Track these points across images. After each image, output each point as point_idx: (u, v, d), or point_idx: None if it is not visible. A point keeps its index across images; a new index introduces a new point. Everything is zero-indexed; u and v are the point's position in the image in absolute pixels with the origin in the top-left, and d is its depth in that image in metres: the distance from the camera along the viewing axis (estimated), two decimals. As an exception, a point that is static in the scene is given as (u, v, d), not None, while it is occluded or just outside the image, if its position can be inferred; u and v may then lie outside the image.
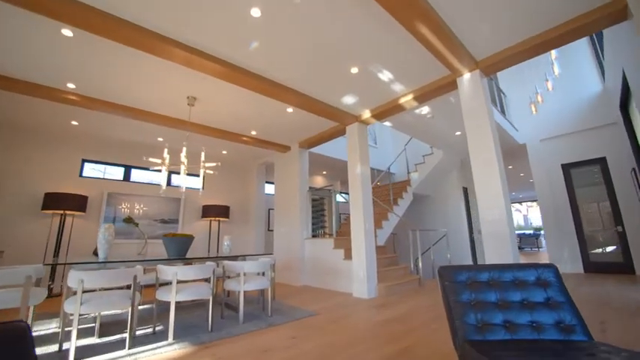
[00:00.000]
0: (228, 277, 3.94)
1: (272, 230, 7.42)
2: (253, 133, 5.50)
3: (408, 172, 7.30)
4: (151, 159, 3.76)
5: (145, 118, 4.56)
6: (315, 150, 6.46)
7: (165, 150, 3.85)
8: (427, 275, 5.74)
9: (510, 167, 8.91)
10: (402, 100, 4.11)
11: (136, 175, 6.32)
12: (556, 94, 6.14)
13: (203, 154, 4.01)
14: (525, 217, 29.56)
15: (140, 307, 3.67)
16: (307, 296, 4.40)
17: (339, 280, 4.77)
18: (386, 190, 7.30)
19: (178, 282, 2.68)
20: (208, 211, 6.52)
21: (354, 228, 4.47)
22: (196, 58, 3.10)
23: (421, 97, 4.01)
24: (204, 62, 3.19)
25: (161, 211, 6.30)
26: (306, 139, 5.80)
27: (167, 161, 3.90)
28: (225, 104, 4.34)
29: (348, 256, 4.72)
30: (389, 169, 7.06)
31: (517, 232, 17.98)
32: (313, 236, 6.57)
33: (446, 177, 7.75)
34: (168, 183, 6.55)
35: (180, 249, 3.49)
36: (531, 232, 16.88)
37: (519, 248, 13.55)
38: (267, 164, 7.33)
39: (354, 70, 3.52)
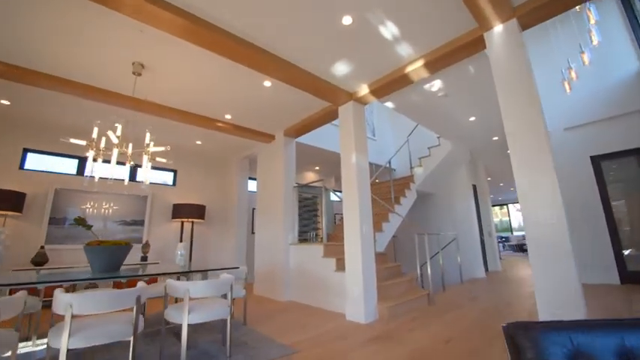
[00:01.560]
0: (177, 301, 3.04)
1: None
2: (227, 117, 4.57)
3: (411, 167, 6.40)
4: (72, 140, 2.82)
5: (86, 94, 3.63)
6: (304, 140, 5.54)
7: (95, 129, 2.90)
8: (436, 286, 4.83)
9: (523, 162, 8.03)
10: (410, 69, 3.20)
11: (94, 168, 5.37)
12: (584, 74, 5.27)
13: (149, 135, 3.06)
14: (527, 218, 28.85)
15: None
16: (289, 319, 3.48)
17: (330, 297, 3.86)
18: (386, 187, 6.39)
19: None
20: (180, 211, 5.58)
21: (347, 232, 3.56)
22: (148, 5, 2.22)
23: (434, 64, 3.11)
24: (157, 11, 2.30)
25: (123, 211, 5.35)
26: (292, 126, 4.88)
27: (103, 145, 2.96)
28: (184, 74, 3.41)
29: (340, 266, 3.81)
30: (389, 163, 6.16)
31: (518, 233, 17.20)
32: (301, 241, 5.67)
33: (454, 173, 6.86)
34: (132, 178, 5.60)
35: (110, 262, 2.56)
36: (537, 233, 16.06)
37: (525, 251, 12.68)
38: (251, 158, 6.40)
39: (347, 19, 2.60)
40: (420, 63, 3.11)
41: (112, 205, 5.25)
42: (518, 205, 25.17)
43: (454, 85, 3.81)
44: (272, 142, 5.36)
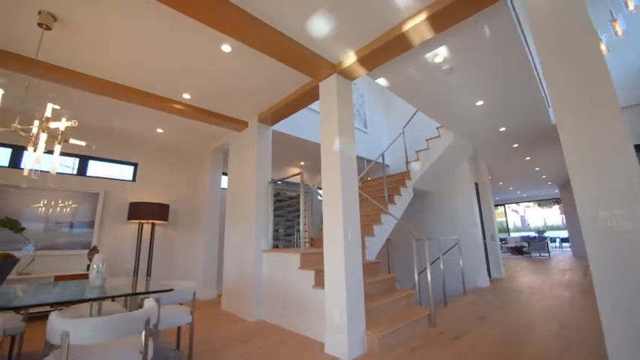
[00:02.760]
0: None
1: (231, 236, 5.68)
2: (186, 96, 3.75)
3: (407, 162, 5.66)
4: None
5: (-12, 58, 2.78)
6: (285, 130, 4.76)
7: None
8: (437, 299, 4.07)
9: (528, 159, 7.38)
10: (409, 26, 2.44)
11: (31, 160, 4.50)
12: (612, 50, 4.60)
13: (50, 107, 2.22)
14: (522, 219, 28.56)
15: None
16: (250, 350, 2.68)
17: (307, 319, 3.07)
18: (379, 184, 5.64)
19: None
20: (138, 211, 4.73)
21: (328, 239, 2.78)
22: None
23: (441, 18, 2.35)
24: None
25: (69, 211, 4.49)
26: (267, 111, 4.09)
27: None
28: (114, 32, 2.59)
29: (320, 281, 3.03)
30: (382, 157, 5.40)
31: (520, 234, 16.65)
32: (280, 247, 4.88)
33: (455, 169, 6.14)
34: (83, 172, 4.75)
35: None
36: (534, 234, 15.54)
37: (525, 254, 12.09)
38: (225, 150, 5.58)
39: (322, -62, 1.83)
40: (422, 17, 2.35)
41: (55, 203, 4.40)
42: (513, 206, 24.81)
43: (462, 54, 3.06)
44: (244, 130, 4.56)
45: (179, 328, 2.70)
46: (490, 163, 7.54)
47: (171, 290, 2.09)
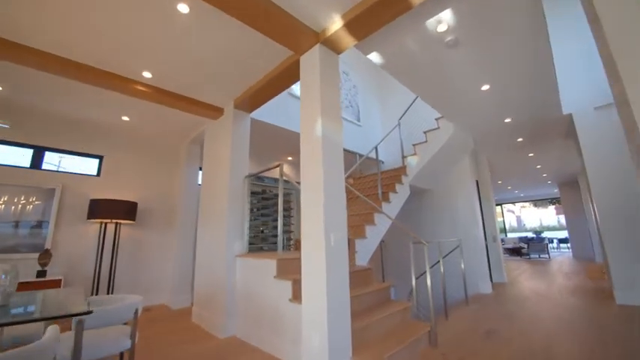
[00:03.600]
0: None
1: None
2: (147, 75, 3.20)
3: (404, 157, 5.16)
4: None
5: None
6: (270, 119, 4.24)
7: None
8: (437, 309, 3.57)
9: (531, 155, 6.94)
10: (407, -25, 1.93)
11: (-27, 150, 3.93)
12: None
13: None
14: (518, 219, 28.35)
15: None
16: (209, 383, 2.16)
17: (283, 340, 2.55)
18: (372, 181, 5.15)
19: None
20: (100, 209, 4.15)
21: (306, 244, 2.26)
22: None
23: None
24: None
25: (19, 209, 3.92)
26: (243, 94, 3.55)
27: None
28: (35, -19, 2.05)
29: (298, 294, 2.51)
30: (376, 150, 4.89)
31: (518, 235, 16.28)
32: (258, 250, 4.37)
33: (455, 165, 5.67)
34: (38, 164, 4.17)
35: None
36: (532, 235, 15.20)
37: (524, 255, 11.70)
38: (203, 142, 5.03)
39: None
40: (424, -38, 1.85)
41: (1, 200, 3.82)
42: (509, 206, 24.52)
43: (470, 22, 2.57)
44: (220, 118, 4.02)
45: (121, 356, 2.17)
46: (491, 160, 7.09)
47: (87, 314, 1.56)
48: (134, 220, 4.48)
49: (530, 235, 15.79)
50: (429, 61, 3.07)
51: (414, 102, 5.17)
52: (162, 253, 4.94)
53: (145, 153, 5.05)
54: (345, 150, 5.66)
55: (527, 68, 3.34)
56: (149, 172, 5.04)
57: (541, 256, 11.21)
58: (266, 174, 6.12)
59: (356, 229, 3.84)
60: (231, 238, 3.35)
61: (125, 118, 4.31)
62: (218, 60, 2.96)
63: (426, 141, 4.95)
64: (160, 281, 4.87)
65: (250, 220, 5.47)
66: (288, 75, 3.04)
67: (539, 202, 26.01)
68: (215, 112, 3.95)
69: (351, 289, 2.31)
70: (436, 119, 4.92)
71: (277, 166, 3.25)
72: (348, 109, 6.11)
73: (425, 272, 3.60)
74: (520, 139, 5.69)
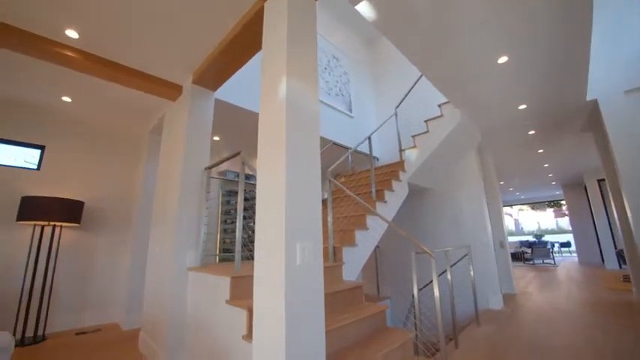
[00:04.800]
0: None
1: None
2: (72, 35, 2.46)
3: (401, 150, 4.47)
4: None
5: None
6: (249, 106, 3.53)
7: None
8: (445, 329, 2.83)
9: (540, 151, 6.30)
10: None
11: None
12: None
13: None
14: (516, 222, 27.84)
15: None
16: None
17: (234, 391, 1.81)
18: (365, 178, 4.44)
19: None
20: (35, 209, 3.38)
21: (259, 260, 1.53)
22: None
23: None
24: None
25: None
26: (203, 65, 2.82)
27: None
28: None
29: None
30: (370, 141, 4.17)
31: (517, 239, 15.65)
32: (222, 261, 3.66)
33: (459, 161, 4.98)
34: (-46, 156, 3.39)
35: None
36: (533, 239, 14.60)
37: (527, 261, 11.06)
38: (167, 132, 4.28)
39: None
40: None
41: None
42: (506, 209, 24.01)
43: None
44: (179, 98, 3.29)
45: None
46: (495, 159, 6.43)
47: None
48: (79, 222, 3.71)
49: (530, 239, 15.19)
50: (434, 14, 2.37)
51: (414, 85, 4.48)
52: (114, 262, 4.16)
53: (98, 144, 4.28)
54: (334, 144, 4.96)
55: (558, 39, 2.67)
56: (102, 167, 4.27)
57: (545, 261, 10.56)
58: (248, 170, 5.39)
59: (344, 236, 3.12)
60: (182, 245, 2.60)
61: (66, 99, 3.56)
62: (164, 12, 2.24)
63: (427, 131, 4.26)
64: (113, 295, 4.09)
65: (227, 223, 4.68)
66: (254, 33, 2.32)
67: (537, 204, 25.60)
68: (172, 90, 3.22)
69: (333, 315, 1.59)
70: (439, 105, 4.24)
71: (237, 154, 2.52)
72: (339, 98, 5.41)
73: (427, 285, 2.91)
74: (532, 132, 5.03)
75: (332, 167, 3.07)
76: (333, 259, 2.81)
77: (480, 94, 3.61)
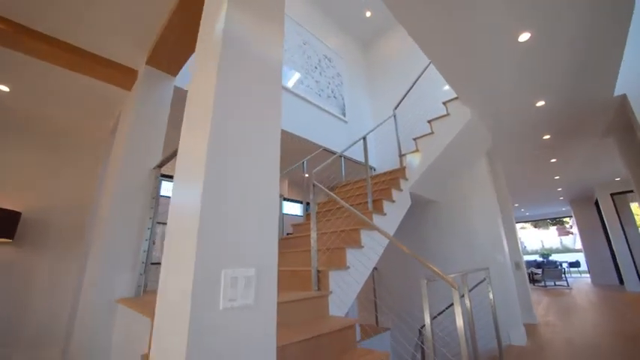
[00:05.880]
0: None
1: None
2: (-25, -10, 1.91)
3: (401, 155, 3.89)
4: None
5: None
6: None
7: None
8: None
9: (553, 160, 5.74)
10: None
11: None
12: None
13: None
14: (519, 241, 26.95)
15: None
16: None
17: None
18: (360, 188, 3.82)
19: None
20: (-50, 224, 2.71)
21: (161, 304, 0.88)
22: None
23: None
24: None
25: None
26: (157, 42, 2.27)
27: None
28: None
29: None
30: (364, 141, 3.56)
31: (526, 258, 14.83)
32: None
33: (468, 168, 4.39)
34: None
35: None
36: (540, 258, 13.82)
37: (537, 282, 10.26)
38: (131, 133, 3.68)
39: None
40: None
41: None
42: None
43: None
44: (134, 85, 2.72)
45: None
46: (505, 170, 5.86)
47: None
48: (11, 237, 3.03)
49: (537, 258, 14.40)
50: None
51: (418, 79, 3.96)
52: (57, 288, 3.43)
53: (47, 145, 3.66)
54: (325, 150, 4.37)
55: (591, 17, 2.17)
56: (51, 172, 3.63)
57: (557, 283, 9.77)
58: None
59: (331, 256, 2.46)
60: (109, 268, 1.93)
61: (4, 88, 2.98)
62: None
63: (431, 132, 3.69)
64: (51, 331, 3.33)
65: None
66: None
67: (539, 222, 24.84)
68: (126, 75, 2.65)
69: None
70: (444, 103, 3.70)
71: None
72: (331, 100, 4.89)
73: (437, 316, 2.25)
74: (547, 137, 4.49)
75: (317, 169, 2.46)
76: (316, 287, 2.14)
77: (493, 86, 3.07)
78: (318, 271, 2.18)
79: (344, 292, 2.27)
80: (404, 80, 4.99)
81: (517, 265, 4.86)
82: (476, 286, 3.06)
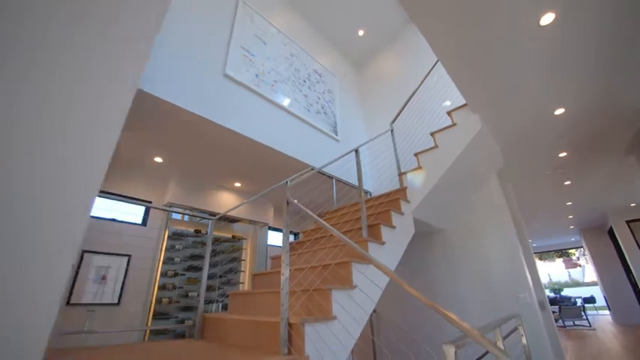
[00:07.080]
0: None
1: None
2: None
3: (401, 174, 3.33)
4: None
5: None
6: (195, 109, 2.46)
7: None
8: None
9: (567, 183, 5.21)
10: None
11: None
12: None
13: None
14: (526, 274, 25.71)
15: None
16: None
17: None
18: (354, 212, 3.20)
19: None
20: None
21: None
22: None
23: None
24: None
25: None
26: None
27: None
28: None
29: None
30: (357, 153, 3.00)
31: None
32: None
33: (477, 190, 3.80)
34: None
35: None
36: (553, 294, 12.80)
37: (555, 321, 9.25)
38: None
39: None
40: None
41: None
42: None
43: None
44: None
45: None
46: (515, 193, 5.30)
47: None
48: None
49: (549, 294, 13.38)
50: None
51: (418, 86, 3.51)
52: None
53: None
54: (320, 172, 3.82)
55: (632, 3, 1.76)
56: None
57: (577, 323, 8.79)
58: (195, 203, 4.18)
59: (310, 302, 1.79)
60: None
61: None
62: None
63: (435, 146, 3.16)
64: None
65: (167, 276, 3.39)
66: None
67: (545, 254, 23.81)
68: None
69: None
70: (449, 112, 3.21)
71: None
72: (320, 116, 4.43)
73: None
74: (563, 154, 3.99)
75: (292, 178, 1.87)
76: (286, 350, 1.46)
77: (509, 85, 2.59)
78: (289, 325, 1.51)
79: (330, 353, 1.58)
80: (399, 100, 4.58)
81: (541, 305, 4.11)
82: (507, 336, 2.35)
